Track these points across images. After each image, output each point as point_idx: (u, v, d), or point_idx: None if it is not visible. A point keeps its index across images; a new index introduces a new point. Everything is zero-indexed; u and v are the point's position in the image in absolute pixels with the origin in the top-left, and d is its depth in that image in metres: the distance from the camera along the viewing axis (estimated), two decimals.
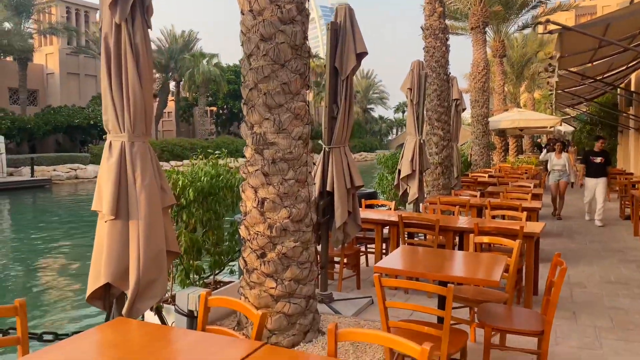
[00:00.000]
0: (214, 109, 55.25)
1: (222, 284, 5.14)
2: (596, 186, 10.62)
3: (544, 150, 11.54)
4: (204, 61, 48.07)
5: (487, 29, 18.92)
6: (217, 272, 5.11)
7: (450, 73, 10.61)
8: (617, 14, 6.48)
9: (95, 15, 46.57)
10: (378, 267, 3.63)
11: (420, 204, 8.44)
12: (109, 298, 3.28)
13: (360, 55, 5.25)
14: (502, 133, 23.00)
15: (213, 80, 47.60)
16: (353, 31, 5.20)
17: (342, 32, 5.20)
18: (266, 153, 3.97)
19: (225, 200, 4.75)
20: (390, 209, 7.49)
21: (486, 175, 13.26)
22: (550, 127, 20.58)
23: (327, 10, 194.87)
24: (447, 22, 11.40)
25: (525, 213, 6.24)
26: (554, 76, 8.61)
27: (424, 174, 8.61)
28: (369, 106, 75.27)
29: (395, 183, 8.61)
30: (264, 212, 3.97)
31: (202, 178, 4.54)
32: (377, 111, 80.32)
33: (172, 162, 39.91)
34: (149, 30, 3.21)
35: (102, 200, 3.15)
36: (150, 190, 3.16)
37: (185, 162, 40.67)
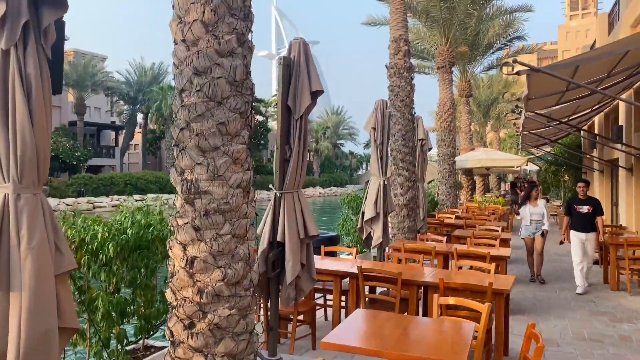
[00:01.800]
0: None
1: (153, 350, 4.47)
2: (586, 242, 8.26)
3: (522, 208, 9.59)
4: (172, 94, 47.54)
5: (453, 68, 18.97)
6: (147, 336, 4.43)
7: (415, 113, 10.32)
8: (585, 56, 6.27)
9: None
10: (325, 343, 3.07)
11: (385, 249, 7.96)
12: None
13: (316, 94, 4.79)
14: (468, 172, 23.00)
15: None
16: (308, 67, 4.74)
17: (296, 68, 4.73)
18: (198, 203, 3.40)
19: (156, 255, 4.12)
20: (352, 254, 6.98)
21: (453, 216, 12.90)
22: (517, 167, 20.65)
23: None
24: (414, 61, 11.27)
25: (493, 264, 5.79)
26: (521, 118, 8.38)
27: (388, 216, 8.15)
28: (339, 141, 75.77)
29: (359, 226, 8.15)
30: (193, 273, 3.37)
31: (128, 230, 3.90)
32: (347, 146, 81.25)
33: (136, 196, 38.54)
34: (48, 59, 2.65)
35: None
36: (39, 253, 2.54)
37: (150, 195, 39.35)
